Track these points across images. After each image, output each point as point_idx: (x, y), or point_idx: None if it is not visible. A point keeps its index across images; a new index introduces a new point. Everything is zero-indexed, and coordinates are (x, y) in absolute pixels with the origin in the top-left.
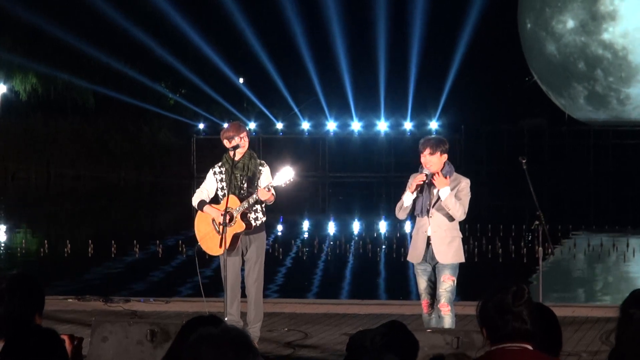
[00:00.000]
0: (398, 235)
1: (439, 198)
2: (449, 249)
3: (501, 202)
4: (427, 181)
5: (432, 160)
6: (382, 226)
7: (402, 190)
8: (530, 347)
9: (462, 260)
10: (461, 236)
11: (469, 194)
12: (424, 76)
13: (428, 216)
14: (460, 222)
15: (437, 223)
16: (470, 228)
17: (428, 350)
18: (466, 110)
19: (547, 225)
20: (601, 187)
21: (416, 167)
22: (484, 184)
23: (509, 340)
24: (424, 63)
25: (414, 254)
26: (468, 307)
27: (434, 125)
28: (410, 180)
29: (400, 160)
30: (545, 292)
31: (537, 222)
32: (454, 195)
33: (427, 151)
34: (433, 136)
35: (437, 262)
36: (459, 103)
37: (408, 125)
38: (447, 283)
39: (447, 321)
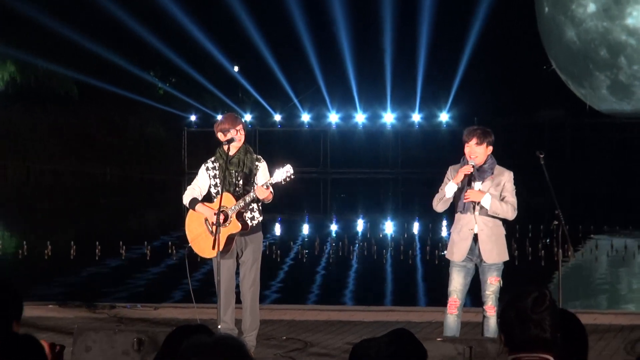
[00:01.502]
0: (406, 235)
1: (487, 193)
2: (496, 247)
3: (517, 199)
4: (474, 173)
5: (478, 151)
6: (389, 226)
7: (410, 185)
8: (550, 358)
9: (507, 258)
10: (505, 233)
11: (514, 188)
12: (433, 64)
13: (474, 212)
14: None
15: (484, 220)
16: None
17: None
18: (479, 102)
19: (567, 226)
20: (625, 184)
21: (424, 162)
22: None
23: (528, 350)
24: (434, 50)
25: (456, 252)
26: (481, 313)
27: (444, 117)
28: (449, 172)
29: (408, 155)
30: (565, 297)
31: (556, 222)
32: (497, 196)
33: (474, 141)
34: (478, 126)
35: (483, 262)
36: (472, 94)
37: (416, 117)
38: (493, 285)
39: (493, 321)
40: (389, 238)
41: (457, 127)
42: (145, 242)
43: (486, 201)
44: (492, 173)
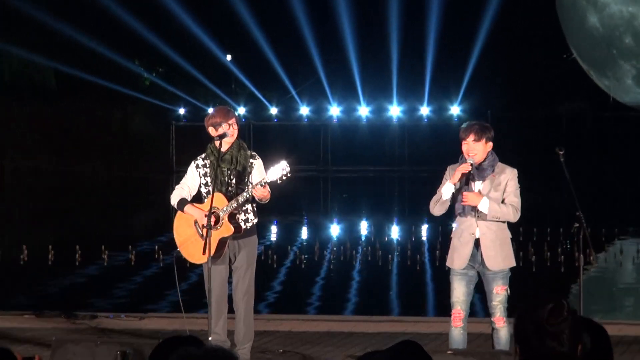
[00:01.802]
0: (413, 240)
1: (488, 193)
2: (500, 252)
3: (534, 200)
4: (472, 172)
5: (477, 148)
6: (394, 230)
7: (418, 184)
8: None
9: (514, 264)
10: (511, 236)
11: (518, 186)
12: (443, 53)
13: (475, 215)
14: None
15: (486, 223)
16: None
17: None
18: (493, 94)
19: (589, 229)
20: None
21: (434, 159)
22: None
23: None
24: (444, 38)
25: (457, 259)
26: (488, 324)
27: (455, 110)
28: (447, 172)
29: (416, 151)
30: (586, 306)
31: (576, 225)
32: (499, 197)
33: (472, 137)
34: (476, 121)
35: (487, 269)
36: (485, 85)
37: (425, 110)
38: (501, 294)
39: (504, 333)
40: (395, 242)
41: (468, 121)
42: (130, 247)
43: (484, 206)
44: (493, 171)
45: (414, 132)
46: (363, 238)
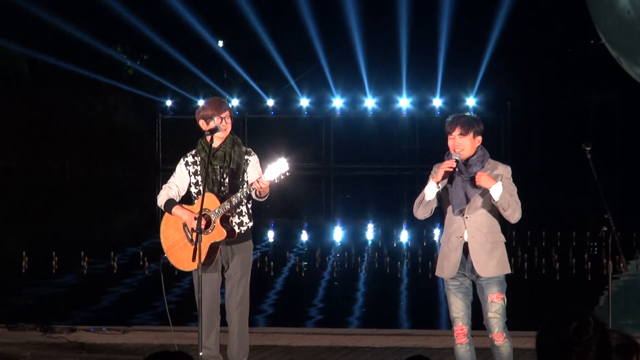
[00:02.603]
0: (424, 244)
1: (477, 194)
2: (491, 257)
3: (558, 201)
4: (457, 169)
5: (464, 143)
6: (404, 234)
7: (424, 183)
8: None
9: (508, 271)
10: (504, 240)
11: (514, 186)
12: (458, 39)
13: (463, 216)
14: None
15: (475, 225)
16: (517, 235)
17: None
18: (512, 84)
19: (619, 233)
20: None
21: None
22: (535, 178)
23: None
24: (459, 22)
25: (446, 267)
26: (516, 337)
27: (470, 102)
28: (432, 171)
29: (428, 147)
30: (615, 318)
31: (605, 228)
32: (490, 197)
33: (457, 132)
34: (463, 114)
35: (479, 277)
36: (503, 74)
37: (437, 102)
38: (496, 304)
39: (505, 352)
40: (405, 248)
41: (485, 114)
42: (112, 253)
43: (497, 189)
44: (482, 167)
45: (426, 126)
46: (369, 243)
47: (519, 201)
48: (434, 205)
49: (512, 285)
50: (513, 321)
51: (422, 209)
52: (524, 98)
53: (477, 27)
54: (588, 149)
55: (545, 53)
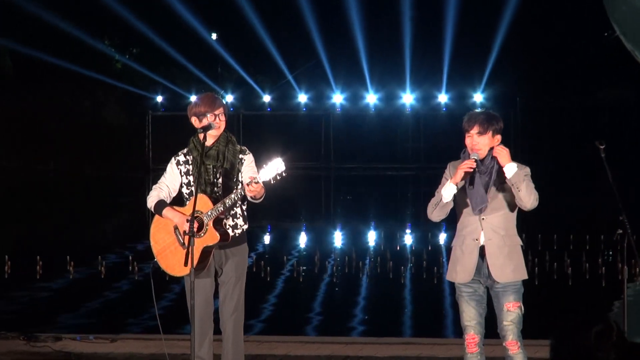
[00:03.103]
0: (429, 248)
1: (495, 192)
2: (509, 262)
3: (570, 201)
4: (477, 169)
5: (482, 142)
6: (408, 238)
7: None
8: None
9: (525, 276)
10: (521, 243)
11: (532, 184)
12: (464, 31)
13: (479, 217)
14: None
15: (491, 227)
16: (528, 238)
17: None
18: (521, 79)
19: (635, 235)
20: None
21: (453, 154)
22: (546, 177)
23: None
24: (465, 14)
25: (461, 271)
26: (529, 347)
27: (478, 97)
28: (447, 170)
29: (433, 145)
30: (632, 328)
31: (620, 231)
32: (511, 196)
33: (475, 130)
34: (481, 110)
35: (494, 282)
36: (512, 69)
37: (443, 97)
38: (513, 312)
39: (520, 359)
40: (408, 252)
41: (493, 111)
42: (100, 257)
43: (511, 168)
44: (502, 167)
45: (431, 124)
46: (371, 247)
47: (535, 190)
48: (451, 206)
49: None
50: (522, 329)
51: (439, 211)
52: (534, 94)
53: (485, 19)
54: (602, 147)
55: (557, 46)
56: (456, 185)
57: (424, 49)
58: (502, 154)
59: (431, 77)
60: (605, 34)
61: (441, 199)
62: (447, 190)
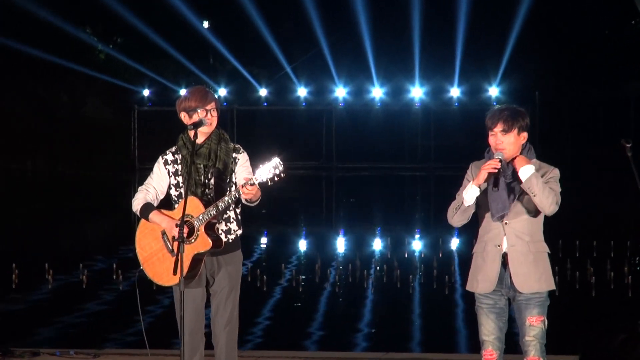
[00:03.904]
0: (440, 255)
1: (520, 195)
2: (534, 270)
3: (593, 204)
4: (502, 170)
5: (507, 141)
6: (417, 244)
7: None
8: None
9: (553, 287)
10: (548, 251)
11: (559, 185)
12: (478, 20)
13: (502, 222)
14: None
15: (515, 232)
16: (548, 244)
17: None
18: (540, 71)
19: None
20: None
21: (466, 153)
22: (567, 178)
23: None
24: (480, 0)
25: (482, 280)
26: None
27: (493, 91)
28: (469, 171)
29: (444, 143)
30: None
31: None
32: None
33: (500, 127)
34: (505, 106)
35: (517, 293)
36: (531, 60)
37: (455, 92)
38: (536, 327)
39: None
40: (417, 260)
41: (510, 106)
42: (81, 265)
43: (526, 170)
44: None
45: (442, 120)
46: (376, 254)
47: (558, 195)
48: (473, 210)
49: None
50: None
51: (460, 215)
52: (554, 87)
53: (501, 6)
54: (628, 145)
55: (579, 36)
56: (479, 187)
57: (435, 39)
58: (518, 159)
59: (442, 70)
60: (633, 22)
61: (462, 203)
62: (469, 193)
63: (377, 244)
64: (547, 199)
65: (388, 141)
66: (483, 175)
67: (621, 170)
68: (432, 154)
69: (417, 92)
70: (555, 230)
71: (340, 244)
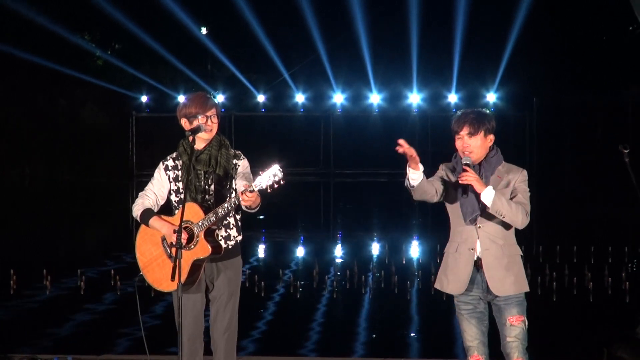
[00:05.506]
0: (438, 261)
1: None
2: (509, 274)
3: (591, 211)
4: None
5: (473, 144)
6: (414, 250)
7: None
8: None
9: (527, 288)
10: (521, 253)
11: (528, 190)
12: (476, 26)
13: (475, 225)
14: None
15: (489, 236)
16: (545, 250)
17: None
18: (538, 76)
19: None
20: None
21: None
22: (565, 184)
23: None
24: (478, 5)
25: (453, 281)
26: None
27: (491, 97)
28: (443, 170)
29: (441, 149)
30: None
31: None
32: (506, 194)
33: (465, 131)
34: (470, 109)
35: (495, 296)
36: (528, 65)
37: (453, 97)
38: (516, 327)
39: None
40: (415, 266)
41: (507, 111)
42: (79, 271)
43: (488, 194)
44: (494, 170)
45: (439, 126)
46: (374, 260)
47: (528, 205)
48: (432, 189)
49: (538, 307)
50: (538, 348)
51: (416, 196)
52: (553, 93)
53: (499, 11)
54: (626, 151)
55: (577, 41)
56: (420, 171)
57: (433, 45)
58: (471, 181)
59: (440, 76)
60: (631, 27)
61: (410, 185)
62: (412, 177)
63: (375, 250)
64: (517, 216)
65: (386, 147)
66: (416, 158)
67: (619, 175)
68: (429, 159)
69: (414, 98)
70: (551, 237)
71: (338, 250)
